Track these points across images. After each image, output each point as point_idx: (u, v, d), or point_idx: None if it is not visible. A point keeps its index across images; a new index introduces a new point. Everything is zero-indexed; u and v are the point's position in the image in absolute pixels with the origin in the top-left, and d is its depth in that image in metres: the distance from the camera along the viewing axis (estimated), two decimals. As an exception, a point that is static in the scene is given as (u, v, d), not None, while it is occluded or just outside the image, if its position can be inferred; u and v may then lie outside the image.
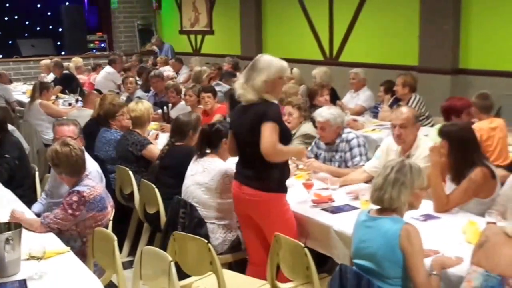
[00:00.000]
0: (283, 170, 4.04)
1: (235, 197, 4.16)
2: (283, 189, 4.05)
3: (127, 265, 4.96)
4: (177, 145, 5.05)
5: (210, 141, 4.51)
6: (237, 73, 9.98)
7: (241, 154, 4.12)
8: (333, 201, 4.31)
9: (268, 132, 3.80)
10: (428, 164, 4.38)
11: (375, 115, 7.77)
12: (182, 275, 3.80)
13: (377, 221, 3.10)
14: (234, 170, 4.32)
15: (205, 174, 4.44)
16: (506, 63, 8.11)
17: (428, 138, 4.96)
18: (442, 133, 4.17)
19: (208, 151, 4.54)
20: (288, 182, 4.14)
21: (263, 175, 3.95)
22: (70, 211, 3.89)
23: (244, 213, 4.16)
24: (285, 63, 4.02)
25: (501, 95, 5.94)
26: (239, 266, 4.49)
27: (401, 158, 3.34)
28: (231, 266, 4.42)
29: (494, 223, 3.35)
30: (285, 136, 4.00)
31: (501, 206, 3.63)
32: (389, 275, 3.02)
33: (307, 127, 5.90)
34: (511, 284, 2.60)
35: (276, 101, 4.00)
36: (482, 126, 5.60)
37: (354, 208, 4.13)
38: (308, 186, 4.43)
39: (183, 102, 7.85)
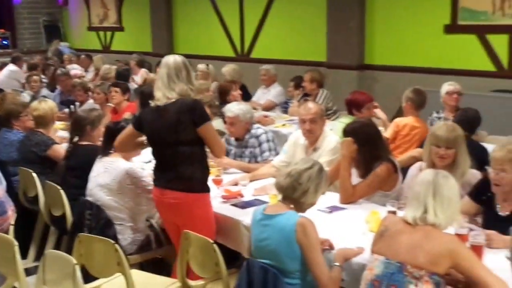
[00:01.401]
0: (205, 169, 3.97)
1: (158, 205, 4.04)
2: (207, 189, 3.97)
3: (34, 270, 4.78)
4: (81, 144, 4.92)
5: (114, 139, 4.42)
6: (142, 70, 9.83)
7: (159, 158, 3.99)
8: (243, 196, 4.34)
9: (213, 134, 3.87)
10: (333, 157, 4.52)
11: (285, 110, 7.91)
12: (90, 278, 3.73)
13: (272, 219, 3.13)
14: (136, 171, 4.25)
15: (106, 175, 4.33)
16: (408, 59, 8.47)
17: (333, 131, 5.09)
18: (347, 132, 4.26)
19: (112, 150, 4.43)
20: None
21: (186, 175, 3.85)
22: (-33, 217, 3.72)
23: (169, 219, 4.05)
24: None
25: (403, 90, 6.18)
26: (150, 266, 4.45)
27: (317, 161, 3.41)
28: (142, 266, 4.37)
29: (394, 212, 3.48)
30: None
31: (406, 198, 3.77)
32: (289, 270, 3.06)
33: (217, 124, 5.89)
34: (409, 271, 2.70)
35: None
36: (408, 122, 5.84)
37: (263, 202, 4.14)
38: (217, 182, 4.44)
39: (91, 101, 7.66)
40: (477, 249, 2.98)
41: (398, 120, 5.94)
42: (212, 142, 3.88)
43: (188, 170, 3.85)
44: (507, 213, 3.48)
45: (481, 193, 3.63)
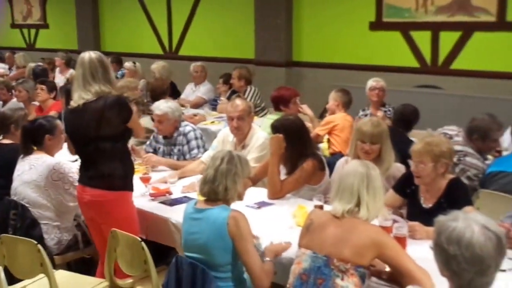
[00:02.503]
0: (127, 166, 3.89)
1: (79, 202, 3.96)
2: (129, 187, 3.89)
3: (-46, 275, 4.62)
4: (4, 144, 4.79)
5: (33, 138, 4.33)
6: (70, 70, 9.61)
7: (81, 155, 3.91)
8: (171, 194, 4.32)
9: (136, 120, 3.94)
10: (262, 154, 4.55)
11: (214, 107, 7.91)
12: (15, 280, 3.65)
13: (204, 212, 3.12)
14: (63, 166, 4.19)
15: (33, 171, 4.24)
16: (335, 55, 8.63)
17: (262, 128, 5.13)
18: (276, 127, 4.29)
19: (34, 148, 4.34)
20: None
21: (106, 173, 3.77)
22: None
23: (90, 216, 3.97)
24: None
25: (330, 86, 6.32)
26: (79, 266, 4.38)
27: (228, 150, 3.40)
28: (69, 266, 4.30)
29: (321, 206, 3.53)
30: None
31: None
32: (220, 263, 3.06)
33: (145, 121, 5.84)
34: (335, 264, 2.73)
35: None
36: (339, 117, 5.97)
37: (191, 199, 4.14)
38: (145, 180, 4.40)
39: (15, 99, 7.46)
40: (400, 240, 3.07)
41: (330, 117, 6.06)
42: (135, 127, 3.94)
43: (108, 167, 3.76)
44: (430, 205, 3.58)
45: (406, 186, 3.73)
